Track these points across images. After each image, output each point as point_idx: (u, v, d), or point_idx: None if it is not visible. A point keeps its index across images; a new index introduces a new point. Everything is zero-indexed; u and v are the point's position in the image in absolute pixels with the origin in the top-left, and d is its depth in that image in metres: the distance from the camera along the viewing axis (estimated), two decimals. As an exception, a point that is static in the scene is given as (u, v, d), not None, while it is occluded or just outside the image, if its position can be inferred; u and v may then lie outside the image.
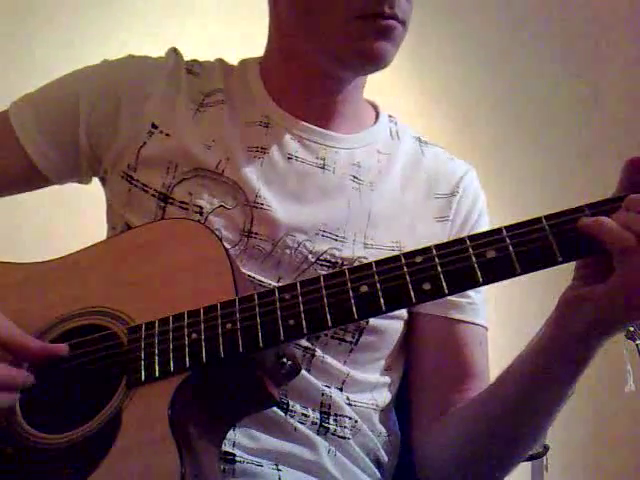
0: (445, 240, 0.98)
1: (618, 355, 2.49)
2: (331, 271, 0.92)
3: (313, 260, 0.94)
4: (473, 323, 1.01)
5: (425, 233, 1.00)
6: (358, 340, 0.95)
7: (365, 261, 0.94)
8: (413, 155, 1.07)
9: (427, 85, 2.85)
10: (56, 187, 1.09)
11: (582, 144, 3.16)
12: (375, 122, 1.08)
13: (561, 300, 0.78)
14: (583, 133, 3.19)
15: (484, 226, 1.06)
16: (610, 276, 0.71)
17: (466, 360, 1.00)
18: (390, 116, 1.11)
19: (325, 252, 0.95)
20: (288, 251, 0.94)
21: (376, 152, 1.04)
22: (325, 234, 0.96)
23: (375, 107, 1.10)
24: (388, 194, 1.01)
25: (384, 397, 1.00)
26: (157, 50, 1.08)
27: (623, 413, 2.95)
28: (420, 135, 1.11)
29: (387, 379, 1.00)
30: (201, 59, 1.08)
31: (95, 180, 1.09)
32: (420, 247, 0.75)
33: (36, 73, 1.94)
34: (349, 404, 0.95)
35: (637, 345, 2.39)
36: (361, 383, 0.97)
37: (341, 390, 0.95)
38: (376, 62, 0.94)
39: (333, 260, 0.95)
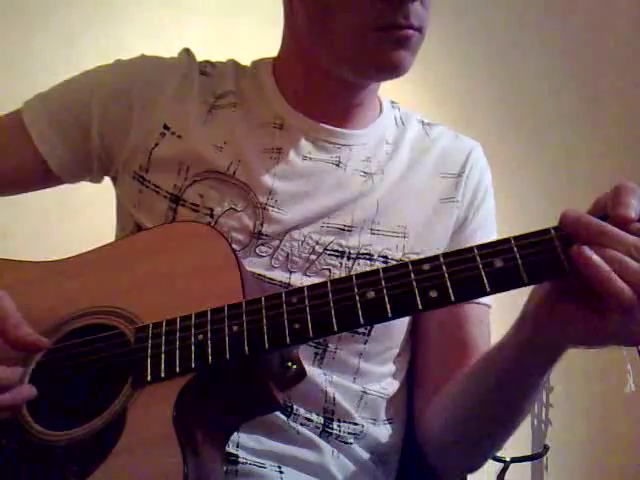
0: (451, 222, 1.00)
1: (618, 355, 2.49)
2: (339, 259, 0.94)
3: (321, 250, 0.95)
4: (476, 302, 1.01)
5: (432, 215, 1.00)
6: (370, 331, 0.95)
7: (370, 249, 0.96)
8: (418, 138, 1.07)
9: (428, 85, 2.85)
10: (55, 187, 1.09)
11: (584, 143, 3.16)
12: (380, 112, 1.08)
13: (531, 303, 0.76)
14: (585, 132, 3.18)
15: (489, 204, 1.06)
16: (603, 314, 0.68)
17: (466, 337, 1.00)
18: (392, 102, 1.11)
19: (332, 242, 0.95)
20: (295, 244, 0.94)
21: (385, 143, 1.04)
22: (331, 225, 0.96)
23: (377, 96, 1.10)
24: (396, 180, 1.01)
25: (393, 386, 1.01)
26: (157, 48, 1.08)
27: (623, 413, 2.95)
28: (423, 118, 1.11)
29: (397, 366, 1.02)
30: (212, 59, 1.08)
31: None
32: (426, 247, 0.75)
33: (35, 71, 1.94)
34: (365, 392, 0.96)
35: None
36: (372, 374, 0.98)
37: (354, 381, 0.96)
38: (395, 72, 0.93)
39: (340, 249, 0.95)
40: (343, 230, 0.96)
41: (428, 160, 1.05)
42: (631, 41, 3.27)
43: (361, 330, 0.95)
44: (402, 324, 1.00)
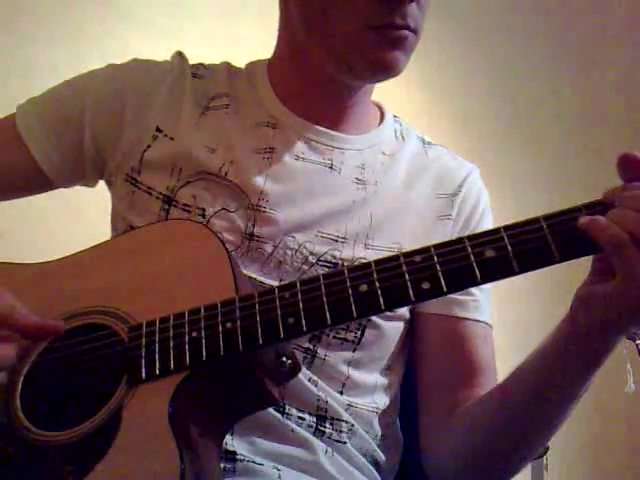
0: (445, 238, 0.99)
1: (618, 355, 2.49)
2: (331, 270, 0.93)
3: (314, 261, 0.94)
4: (477, 320, 1.00)
5: (427, 233, 1.00)
6: (361, 339, 0.95)
7: (364, 261, 0.95)
8: (417, 156, 1.07)
9: (426, 85, 2.86)
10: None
11: (582, 144, 3.17)
12: (380, 123, 1.08)
13: (575, 295, 0.76)
14: (583, 133, 3.19)
15: (488, 225, 1.05)
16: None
17: (472, 356, 0.99)
18: (395, 116, 1.11)
19: (325, 253, 0.95)
20: (289, 252, 0.94)
21: (381, 153, 1.04)
22: (325, 235, 0.96)
23: (380, 107, 1.11)
24: (391, 195, 1.01)
25: (384, 400, 1.00)
26: (157, 49, 1.08)
27: (623, 413, 2.95)
28: (424, 136, 1.11)
29: (386, 380, 1.00)
30: (205, 61, 1.08)
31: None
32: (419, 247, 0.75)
33: (35, 72, 1.94)
34: (350, 405, 0.95)
35: (637, 345, 2.39)
36: (361, 385, 0.97)
37: (341, 394, 0.95)
38: (389, 72, 0.93)
39: (334, 261, 0.95)
40: (337, 241, 0.96)
41: (425, 180, 1.04)
42: (631, 40, 3.28)
43: (350, 338, 0.94)
44: (394, 334, 0.99)
